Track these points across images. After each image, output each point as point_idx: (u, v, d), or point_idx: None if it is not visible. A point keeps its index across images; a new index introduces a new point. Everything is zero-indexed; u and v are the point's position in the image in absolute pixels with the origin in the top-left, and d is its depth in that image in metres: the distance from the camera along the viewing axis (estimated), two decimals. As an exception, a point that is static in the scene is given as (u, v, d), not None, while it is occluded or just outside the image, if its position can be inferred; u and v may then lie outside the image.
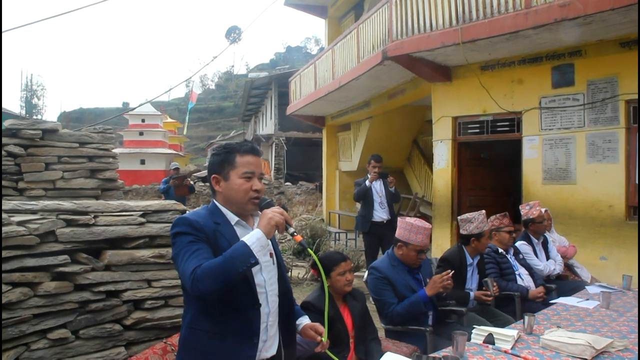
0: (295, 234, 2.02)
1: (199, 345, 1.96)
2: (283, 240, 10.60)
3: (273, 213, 1.95)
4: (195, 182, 24.50)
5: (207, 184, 22.26)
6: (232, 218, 2.07)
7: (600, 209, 6.44)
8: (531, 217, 5.01)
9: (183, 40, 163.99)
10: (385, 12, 8.41)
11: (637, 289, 4.08)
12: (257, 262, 1.87)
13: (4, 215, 2.83)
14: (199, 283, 1.79)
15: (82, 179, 5.61)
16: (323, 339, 2.20)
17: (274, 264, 2.14)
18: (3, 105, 18.10)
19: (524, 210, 5.11)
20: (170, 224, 3.39)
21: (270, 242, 2.08)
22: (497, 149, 8.71)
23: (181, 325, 2.08)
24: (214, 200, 2.12)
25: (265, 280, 2.06)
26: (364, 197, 6.96)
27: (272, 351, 2.09)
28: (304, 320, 2.32)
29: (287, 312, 2.21)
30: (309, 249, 2.20)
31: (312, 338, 2.23)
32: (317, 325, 2.26)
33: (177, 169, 11.16)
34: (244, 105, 31.01)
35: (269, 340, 2.07)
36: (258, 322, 2.01)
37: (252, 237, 1.88)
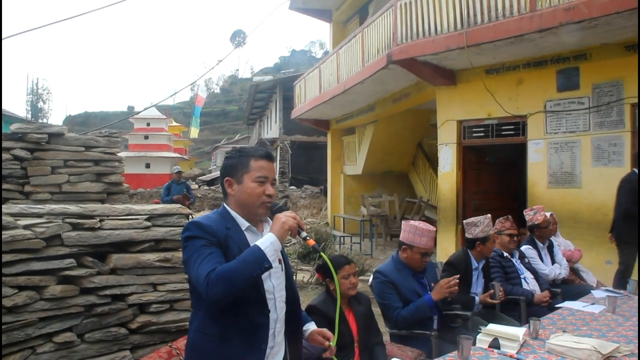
0: (307, 238, 2.02)
1: (207, 350, 1.96)
2: (288, 244, 10.60)
3: (286, 217, 1.95)
4: (200, 186, 24.59)
5: (212, 187, 22.31)
6: (243, 223, 2.06)
7: (605, 212, 6.40)
8: (536, 222, 4.98)
9: (188, 44, 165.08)
10: (390, 15, 8.42)
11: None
12: (270, 266, 1.87)
13: (10, 219, 2.85)
14: (214, 287, 1.78)
15: (88, 182, 5.63)
16: (331, 343, 2.20)
17: (282, 270, 2.14)
18: (9, 109, 18.20)
19: (528, 215, 5.08)
20: (176, 228, 3.44)
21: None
22: (502, 153, 8.69)
23: (188, 329, 2.07)
24: (225, 205, 2.11)
25: (274, 286, 2.06)
26: None
27: (279, 358, 2.09)
28: (311, 326, 2.32)
29: (294, 319, 2.21)
30: (322, 253, 2.23)
31: (320, 344, 2.23)
32: (325, 330, 2.26)
33: (179, 172, 11.19)
34: (248, 108, 31.06)
35: (276, 347, 2.07)
36: (267, 329, 2.01)
37: (266, 241, 1.87)
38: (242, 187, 2.05)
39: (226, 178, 2.08)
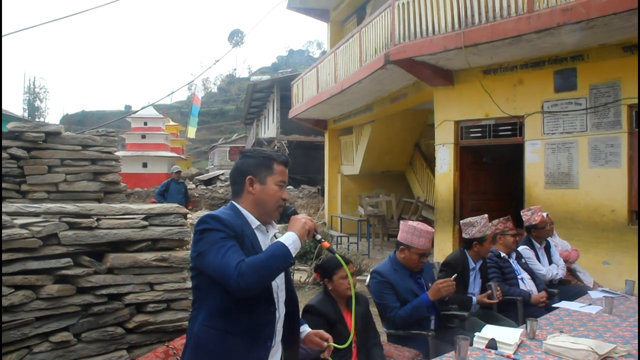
0: (322, 240, 2.07)
1: (212, 344, 1.96)
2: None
3: (306, 219, 2.01)
4: (197, 186, 24.54)
5: (209, 187, 22.11)
6: (253, 222, 2.08)
7: (602, 213, 6.43)
8: (533, 223, 4.99)
9: (186, 44, 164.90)
10: (387, 15, 8.42)
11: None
12: (294, 262, 1.93)
13: (6, 218, 2.84)
14: (247, 277, 1.81)
15: (85, 181, 5.61)
16: (331, 344, 2.20)
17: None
18: (6, 108, 18.15)
19: (525, 216, 5.08)
20: (173, 227, 3.43)
21: None
22: (500, 153, 8.70)
23: (191, 324, 2.06)
24: (234, 202, 2.12)
25: (278, 285, 2.09)
26: None
27: (277, 358, 2.09)
28: (305, 329, 2.33)
29: (293, 319, 2.21)
30: (337, 255, 2.27)
31: (318, 345, 2.23)
32: (322, 332, 2.27)
33: (179, 172, 11.20)
34: (246, 108, 31.00)
35: (276, 346, 2.08)
36: (273, 325, 2.03)
37: (289, 238, 1.92)
38: (266, 188, 2.08)
39: (249, 176, 2.09)
